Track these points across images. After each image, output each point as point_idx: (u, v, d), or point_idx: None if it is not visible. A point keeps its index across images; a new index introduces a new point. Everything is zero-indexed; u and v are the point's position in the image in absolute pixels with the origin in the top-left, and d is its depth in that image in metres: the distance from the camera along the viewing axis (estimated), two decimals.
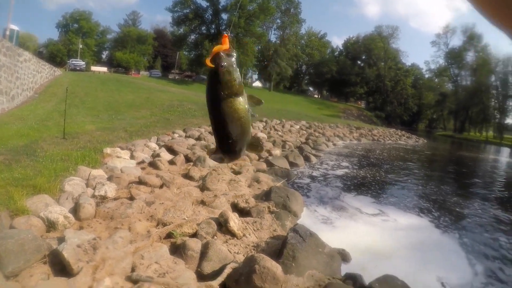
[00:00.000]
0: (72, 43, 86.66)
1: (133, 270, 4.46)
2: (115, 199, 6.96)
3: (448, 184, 16.63)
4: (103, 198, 6.91)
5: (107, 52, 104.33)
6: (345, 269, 6.00)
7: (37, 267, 4.21)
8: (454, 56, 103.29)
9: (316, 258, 5.67)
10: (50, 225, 5.32)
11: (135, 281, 4.19)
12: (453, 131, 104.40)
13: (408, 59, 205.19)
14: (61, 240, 4.60)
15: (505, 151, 59.68)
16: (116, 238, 4.94)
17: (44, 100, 23.06)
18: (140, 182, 8.13)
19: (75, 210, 5.98)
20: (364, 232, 8.39)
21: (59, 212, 5.51)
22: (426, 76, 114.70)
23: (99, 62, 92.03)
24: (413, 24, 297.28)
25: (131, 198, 7.02)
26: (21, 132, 11.81)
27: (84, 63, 69.90)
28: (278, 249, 5.72)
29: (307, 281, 5.06)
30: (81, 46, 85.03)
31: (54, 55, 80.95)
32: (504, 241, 8.97)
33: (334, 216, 9.19)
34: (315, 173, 14.64)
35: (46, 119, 15.62)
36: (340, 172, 15.84)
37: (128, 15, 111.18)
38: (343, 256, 6.49)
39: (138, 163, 10.36)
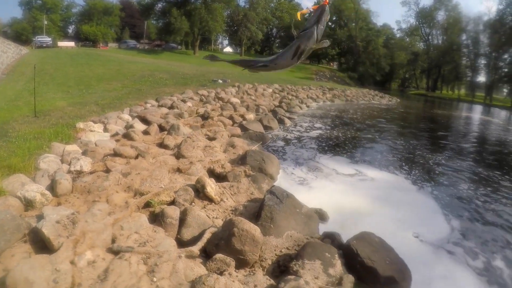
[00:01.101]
0: (36, 20, 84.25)
1: (113, 241, 4.50)
2: (91, 173, 6.92)
3: (421, 142, 17.00)
4: (79, 173, 6.87)
5: (73, 26, 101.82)
6: (323, 228, 6.14)
7: (18, 247, 4.20)
8: (425, 15, 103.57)
9: (294, 218, 5.79)
10: (28, 204, 5.29)
11: (116, 252, 4.23)
12: (425, 89, 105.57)
13: (379, 19, 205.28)
14: (40, 217, 4.58)
15: (477, 108, 60.87)
16: (94, 211, 4.95)
17: (12, 80, 22.51)
18: (115, 154, 8.08)
19: (52, 187, 5.95)
20: (340, 191, 8.54)
21: (36, 190, 5.47)
22: (398, 35, 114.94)
23: (66, 37, 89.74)
24: None
25: (107, 171, 7.00)
26: None
27: (50, 39, 68.24)
28: (256, 211, 5.83)
29: (286, 242, 5.18)
30: (46, 23, 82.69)
31: (19, 34, 78.59)
32: (478, 195, 9.28)
33: (310, 177, 9.33)
34: (289, 136, 14.74)
35: (16, 99, 15.24)
36: (314, 133, 15.97)
37: None
38: (321, 215, 6.63)
39: (112, 136, 10.27)
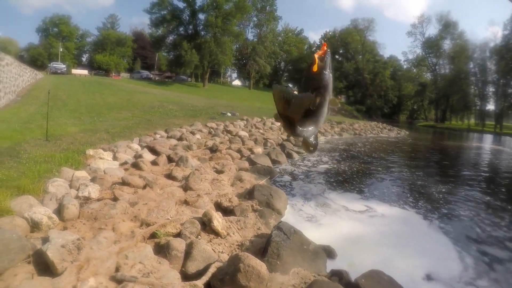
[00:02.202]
0: (52, 46, 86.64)
1: (117, 270, 4.48)
2: (98, 200, 6.94)
3: (431, 175, 16.84)
4: (87, 199, 6.89)
5: (87, 55, 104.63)
6: (330, 265, 6.04)
7: (22, 267, 4.21)
8: (431, 45, 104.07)
9: (301, 255, 5.72)
10: (34, 226, 5.31)
11: (119, 281, 4.21)
12: (434, 120, 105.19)
13: (386, 51, 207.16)
14: (45, 240, 4.60)
15: (488, 138, 60.57)
16: (100, 239, 4.95)
17: (26, 103, 22.97)
18: (123, 183, 8.11)
19: (59, 211, 5.97)
20: (349, 227, 8.43)
21: (43, 212, 5.50)
22: (405, 67, 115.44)
23: (79, 65, 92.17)
24: (387, 14, 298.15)
25: (115, 199, 7.01)
26: (4, 135, 11.74)
27: (65, 66, 69.73)
28: (262, 247, 5.77)
29: (292, 279, 5.11)
30: (61, 50, 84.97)
31: (35, 59, 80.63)
32: (490, 229, 9.11)
33: (318, 213, 9.23)
34: (297, 170, 14.71)
35: (29, 122, 15.52)
36: (322, 168, 15.93)
37: (106, 19, 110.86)
38: (328, 252, 6.53)
39: (121, 164, 10.32)
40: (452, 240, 8.17)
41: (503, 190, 14.80)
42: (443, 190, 13.09)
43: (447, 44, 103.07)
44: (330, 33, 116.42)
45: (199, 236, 5.88)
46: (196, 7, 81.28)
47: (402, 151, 27.25)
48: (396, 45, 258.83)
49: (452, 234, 8.53)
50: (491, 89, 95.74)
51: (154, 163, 10.94)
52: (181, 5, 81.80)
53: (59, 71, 64.07)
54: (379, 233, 8.24)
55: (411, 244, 7.75)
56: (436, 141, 43.74)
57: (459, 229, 9.05)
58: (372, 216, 9.51)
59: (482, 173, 19.22)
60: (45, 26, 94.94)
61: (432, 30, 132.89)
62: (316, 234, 7.08)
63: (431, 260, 7.00)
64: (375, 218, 9.35)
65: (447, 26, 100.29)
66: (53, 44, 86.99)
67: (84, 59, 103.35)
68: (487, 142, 49.98)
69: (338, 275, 5.36)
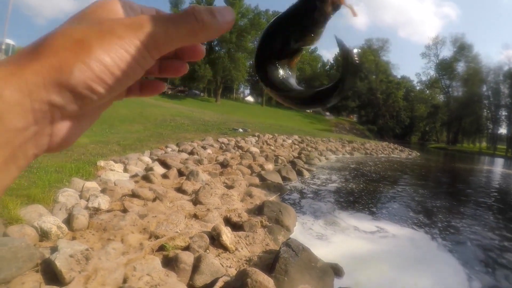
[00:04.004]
0: None
1: (125, 281, 4.48)
2: (108, 211, 6.97)
3: (442, 197, 16.66)
4: (97, 210, 6.93)
5: None
6: (338, 283, 6.01)
7: (29, 275, 4.23)
8: (445, 67, 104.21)
9: (309, 272, 5.69)
10: (43, 235, 5.34)
11: None
12: (446, 143, 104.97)
13: (399, 71, 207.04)
14: (54, 249, 4.63)
15: (499, 161, 60.15)
16: (108, 250, 4.96)
17: None
18: (133, 195, 8.14)
19: (69, 221, 6.00)
20: (357, 246, 8.36)
21: (52, 222, 5.53)
22: (418, 88, 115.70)
23: None
24: (402, 33, 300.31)
25: (124, 211, 7.03)
26: None
27: None
28: (270, 263, 5.74)
29: None
30: None
31: None
32: (500, 253, 9.01)
33: (327, 231, 9.18)
34: (308, 188, 14.66)
35: None
36: (333, 186, 15.85)
37: None
38: (336, 270, 6.49)
39: (132, 176, 10.37)
40: (460, 263, 8.08)
41: None
42: (453, 212, 13.01)
43: (461, 67, 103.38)
44: None
45: (208, 250, 5.87)
46: None
47: (413, 172, 27.06)
48: (409, 65, 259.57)
49: (461, 257, 8.43)
50: (504, 112, 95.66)
51: (164, 176, 10.97)
52: None
53: None
54: (387, 253, 8.18)
55: (418, 266, 7.67)
56: (447, 163, 43.57)
57: (468, 252, 8.97)
58: (380, 236, 9.44)
59: (493, 197, 19.02)
60: None
61: (446, 52, 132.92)
62: (324, 252, 7.04)
63: (438, 282, 6.94)
64: (383, 238, 9.29)
65: (462, 49, 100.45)
66: None
67: None
68: (499, 165, 49.65)
69: None
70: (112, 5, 0.50)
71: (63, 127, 0.46)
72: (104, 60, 0.43)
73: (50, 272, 4.32)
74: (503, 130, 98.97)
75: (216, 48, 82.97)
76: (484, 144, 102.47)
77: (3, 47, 31.85)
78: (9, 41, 37.85)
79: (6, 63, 0.41)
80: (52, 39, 0.43)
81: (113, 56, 0.44)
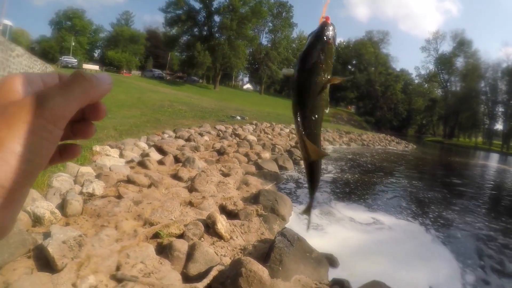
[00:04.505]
0: (64, 40, 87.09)
1: (118, 268, 4.43)
2: (102, 197, 6.91)
3: (437, 190, 16.69)
4: (91, 196, 6.86)
5: (99, 50, 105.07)
6: (332, 274, 5.97)
7: (21, 261, 4.18)
8: (444, 62, 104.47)
9: (303, 262, 5.66)
10: (36, 220, 5.27)
11: (119, 280, 4.16)
12: (442, 136, 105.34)
13: (398, 64, 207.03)
14: (47, 235, 4.56)
15: (494, 156, 60.54)
16: (102, 236, 4.91)
17: None
18: (129, 181, 8.08)
19: (62, 206, 5.92)
20: (352, 237, 8.38)
21: (46, 207, 5.46)
22: (416, 81, 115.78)
23: (91, 60, 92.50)
24: (402, 27, 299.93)
25: (119, 197, 6.98)
26: None
27: (76, 60, 70.12)
28: (265, 252, 5.71)
29: (294, 286, 5.05)
30: (73, 44, 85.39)
31: (46, 52, 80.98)
32: (493, 246, 9.04)
33: (322, 221, 9.17)
34: (304, 177, 14.61)
35: None
36: (329, 176, 15.86)
37: (121, 15, 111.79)
38: (331, 261, 6.47)
39: (127, 162, 10.31)
40: (454, 254, 8.13)
41: (507, 209, 14.70)
42: (448, 205, 13.06)
43: (460, 62, 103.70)
44: (344, 43, 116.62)
45: (202, 238, 5.83)
46: (213, 9, 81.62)
47: (409, 164, 27.16)
48: (408, 59, 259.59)
49: (455, 249, 8.49)
50: (500, 109, 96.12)
51: (160, 162, 10.92)
52: (197, 5, 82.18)
53: (70, 65, 64.24)
54: (382, 244, 8.22)
55: (413, 257, 7.69)
56: (443, 157, 43.77)
57: (461, 244, 9.04)
58: (376, 227, 9.45)
59: (487, 191, 19.23)
60: (58, 19, 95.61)
61: (446, 47, 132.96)
62: (319, 242, 7.01)
63: (433, 274, 6.96)
64: (379, 229, 9.30)
65: (461, 44, 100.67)
66: (66, 37, 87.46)
67: (96, 55, 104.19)
68: (494, 160, 49.95)
69: (339, 284, 5.29)
70: (10, 85, 0.49)
71: None
72: (17, 150, 0.43)
73: (42, 258, 4.27)
74: (499, 126, 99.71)
75: (216, 35, 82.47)
76: (480, 139, 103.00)
77: (1, 27, 31.58)
78: (7, 21, 37.50)
79: None
80: None
81: (24, 143, 0.44)
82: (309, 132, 0.80)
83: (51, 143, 0.48)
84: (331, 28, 0.75)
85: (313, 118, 0.76)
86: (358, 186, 14.62)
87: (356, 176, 17.06)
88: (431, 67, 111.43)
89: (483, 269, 7.56)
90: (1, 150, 0.42)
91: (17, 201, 0.49)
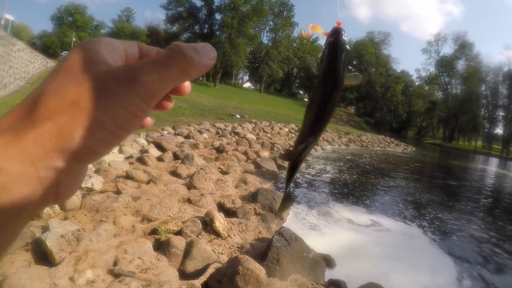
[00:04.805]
0: (65, 35, 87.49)
1: (115, 264, 4.45)
2: (101, 192, 6.92)
3: (436, 193, 16.71)
4: (90, 190, 6.87)
5: None
6: (329, 275, 5.98)
7: (19, 254, 4.19)
8: (445, 64, 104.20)
9: (300, 262, 5.67)
10: None
11: (117, 275, 4.17)
12: (442, 139, 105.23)
13: (399, 66, 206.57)
14: (45, 229, 4.57)
15: (493, 161, 60.53)
16: (100, 231, 4.92)
17: None
18: (128, 176, 8.09)
19: None
20: (350, 238, 8.38)
21: None
22: (417, 83, 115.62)
23: None
24: (404, 28, 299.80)
25: (118, 192, 6.99)
26: None
27: None
28: (262, 251, 5.72)
29: (290, 285, 5.07)
30: (74, 39, 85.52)
31: (47, 47, 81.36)
32: (492, 251, 9.06)
33: (320, 222, 9.18)
34: (302, 177, 14.64)
35: None
36: (327, 177, 15.86)
37: (122, 11, 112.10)
38: (328, 261, 6.48)
39: (126, 158, 10.31)
40: (452, 257, 8.16)
41: (505, 213, 14.72)
42: (447, 208, 13.07)
43: (461, 65, 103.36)
44: None
45: (200, 236, 5.84)
46: (214, 7, 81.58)
47: (408, 166, 27.13)
48: (409, 60, 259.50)
49: (452, 252, 8.52)
50: (501, 113, 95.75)
51: (159, 159, 10.92)
52: (199, 3, 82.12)
53: None
54: (379, 245, 8.21)
55: (411, 259, 7.69)
56: (443, 160, 43.72)
57: (459, 247, 9.07)
58: (374, 228, 9.46)
59: (486, 195, 19.21)
60: (59, 15, 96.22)
61: (448, 49, 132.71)
62: (316, 242, 7.03)
63: (430, 276, 6.98)
64: (377, 231, 9.31)
65: (463, 47, 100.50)
66: (67, 33, 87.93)
67: None
68: (493, 165, 49.90)
69: (336, 285, 5.31)
70: (95, 51, 0.48)
71: (66, 183, 0.45)
72: (103, 121, 0.43)
73: (40, 251, 4.28)
74: (499, 130, 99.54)
75: (217, 32, 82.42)
76: (479, 143, 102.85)
77: (3, 22, 31.59)
78: (9, 16, 37.53)
79: (0, 130, 0.40)
80: (46, 102, 0.41)
81: (111, 116, 0.43)
82: (318, 133, 0.82)
83: (138, 120, 0.48)
84: (344, 35, 0.76)
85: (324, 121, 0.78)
86: (357, 187, 14.62)
87: (355, 177, 17.06)
88: (432, 69, 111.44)
89: (480, 272, 7.56)
90: (86, 119, 0.42)
91: (84, 171, 0.50)
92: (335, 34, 0.76)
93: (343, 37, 0.74)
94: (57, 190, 0.44)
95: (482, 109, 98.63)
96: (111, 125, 0.44)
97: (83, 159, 0.44)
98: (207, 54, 0.52)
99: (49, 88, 0.43)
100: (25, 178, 0.39)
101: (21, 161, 0.38)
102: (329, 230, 8.64)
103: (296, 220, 8.91)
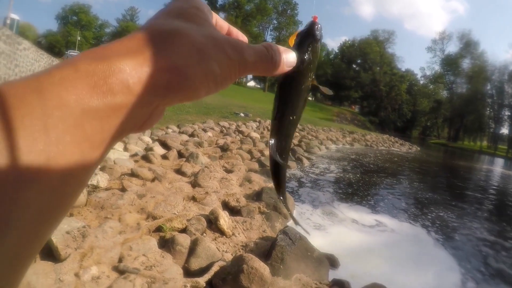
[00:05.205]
0: (70, 34, 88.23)
1: (120, 260, 4.46)
2: (106, 189, 6.94)
3: (441, 193, 16.65)
4: (95, 188, 6.89)
5: None
6: (333, 274, 5.97)
7: None
8: (450, 63, 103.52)
9: (305, 261, 5.66)
10: None
11: (121, 272, 4.19)
12: (447, 139, 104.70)
13: (403, 64, 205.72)
14: None
15: (499, 161, 60.25)
16: (105, 228, 4.94)
17: None
18: (133, 174, 8.11)
19: None
20: (354, 238, 8.36)
21: None
22: (421, 82, 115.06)
23: None
24: (408, 26, 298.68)
25: (123, 190, 7.01)
26: None
27: None
28: (266, 250, 5.72)
29: (294, 285, 5.07)
30: (79, 38, 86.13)
31: (52, 46, 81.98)
32: (497, 254, 8.99)
33: (324, 221, 9.16)
34: (306, 177, 14.63)
35: None
36: (331, 176, 15.84)
37: (126, 10, 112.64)
38: (332, 261, 6.47)
39: (131, 156, 10.34)
40: (456, 259, 8.11)
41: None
42: (452, 209, 13.01)
43: (466, 63, 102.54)
44: (349, 41, 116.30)
45: (204, 234, 5.85)
46: (218, 6, 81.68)
47: (413, 166, 27.07)
48: (413, 58, 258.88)
49: (457, 254, 8.48)
50: (506, 112, 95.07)
51: (164, 157, 10.93)
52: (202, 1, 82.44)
53: None
54: (384, 246, 8.18)
55: (415, 261, 7.66)
56: (448, 160, 43.57)
57: (463, 249, 9.01)
58: (378, 229, 9.43)
59: (492, 196, 19.07)
60: (64, 14, 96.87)
61: (453, 47, 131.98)
62: (321, 242, 7.03)
63: (434, 278, 6.96)
64: (381, 231, 9.28)
65: (468, 45, 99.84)
66: (72, 32, 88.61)
67: None
68: (498, 165, 49.67)
69: (339, 285, 5.30)
70: (206, 12, 0.58)
71: (157, 111, 0.49)
72: (215, 70, 0.49)
73: (45, 247, 4.29)
74: (505, 130, 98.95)
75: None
76: (485, 143, 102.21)
77: (8, 21, 31.79)
78: (14, 15, 37.78)
79: (130, 53, 0.43)
80: (176, 43, 0.46)
81: (220, 69, 0.49)
82: (286, 132, 0.80)
83: (230, 82, 0.54)
84: (319, 27, 0.77)
85: (292, 118, 0.77)
86: (361, 187, 14.59)
87: (360, 176, 17.03)
88: (437, 68, 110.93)
89: (485, 275, 7.54)
90: (206, 64, 0.48)
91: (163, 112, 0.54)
92: (308, 26, 0.78)
93: (316, 28, 0.76)
94: (150, 116, 0.48)
95: (488, 109, 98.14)
96: (218, 75, 0.49)
97: (188, 97, 0.48)
98: (289, 61, 0.63)
99: (175, 29, 0.48)
100: (139, 98, 0.42)
101: (141, 82, 0.42)
102: (334, 230, 8.62)
103: (300, 219, 8.89)
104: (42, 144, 0.35)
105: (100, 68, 0.39)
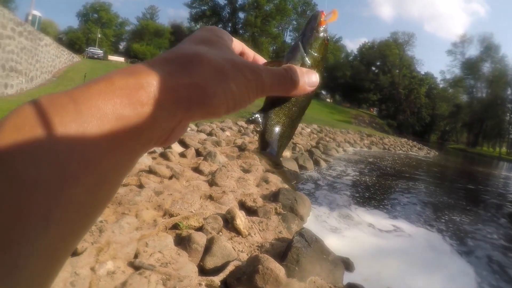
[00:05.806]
0: (91, 32, 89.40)
1: (136, 256, 4.48)
2: (124, 185, 6.97)
3: (459, 199, 16.40)
4: None
5: (124, 43, 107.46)
6: (347, 278, 5.92)
7: None
8: (470, 67, 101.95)
9: (320, 264, 5.62)
10: None
11: (137, 268, 4.20)
12: (466, 144, 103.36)
13: (423, 67, 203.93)
14: None
15: None
16: (122, 223, 4.97)
17: (61, 84, 23.40)
18: (150, 171, 8.14)
19: None
20: (370, 243, 8.30)
21: None
22: (441, 86, 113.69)
23: (116, 52, 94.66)
24: (428, 28, 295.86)
25: (140, 186, 7.05)
26: None
27: (102, 52, 71.16)
28: (282, 251, 5.70)
29: (309, 287, 5.03)
30: (99, 36, 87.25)
31: (73, 42, 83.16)
32: None
33: (341, 224, 9.11)
34: (324, 178, 14.57)
35: None
36: (349, 179, 15.75)
37: (146, 9, 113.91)
38: (347, 265, 6.42)
39: (149, 153, 10.37)
40: (472, 266, 7.98)
41: None
42: (470, 215, 12.83)
43: (487, 67, 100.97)
44: (369, 43, 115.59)
45: (221, 233, 5.85)
46: (237, 5, 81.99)
47: (431, 171, 26.80)
48: (433, 61, 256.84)
49: (473, 261, 8.35)
50: None
51: (182, 155, 10.97)
52: (222, 2, 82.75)
53: (95, 56, 65.04)
54: (399, 251, 8.11)
55: (430, 267, 7.58)
56: (467, 166, 42.91)
57: (480, 257, 8.83)
58: (395, 234, 9.35)
59: (509, 203, 18.75)
60: (85, 11, 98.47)
61: (473, 51, 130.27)
62: (336, 245, 6.98)
63: (449, 285, 6.87)
64: (397, 236, 9.20)
65: (489, 49, 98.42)
66: (92, 29, 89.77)
67: (121, 47, 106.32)
68: None
69: None
70: (227, 39, 0.62)
71: (180, 126, 0.51)
72: (233, 89, 0.51)
73: None
74: None
75: (240, 31, 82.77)
76: (504, 149, 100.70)
77: (30, 18, 32.43)
78: (36, 12, 38.31)
79: (157, 70, 0.46)
80: (198, 65, 0.49)
81: (238, 89, 0.52)
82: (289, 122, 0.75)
83: (247, 103, 0.57)
84: (321, 21, 0.75)
85: (294, 109, 0.73)
86: (378, 191, 14.46)
87: (377, 180, 16.89)
88: (457, 71, 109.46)
89: (500, 282, 7.43)
90: (225, 85, 0.50)
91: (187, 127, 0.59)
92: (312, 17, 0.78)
93: (319, 20, 0.76)
94: (169, 135, 0.50)
95: (508, 114, 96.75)
96: (237, 96, 0.52)
97: (201, 114, 0.50)
98: (311, 82, 0.66)
99: (199, 55, 0.51)
100: (164, 110, 0.45)
101: (166, 95, 0.45)
102: (350, 234, 8.56)
103: (316, 221, 8.86)
104: (81, 147, 0.38)
105: (131, 82, 0.43)
